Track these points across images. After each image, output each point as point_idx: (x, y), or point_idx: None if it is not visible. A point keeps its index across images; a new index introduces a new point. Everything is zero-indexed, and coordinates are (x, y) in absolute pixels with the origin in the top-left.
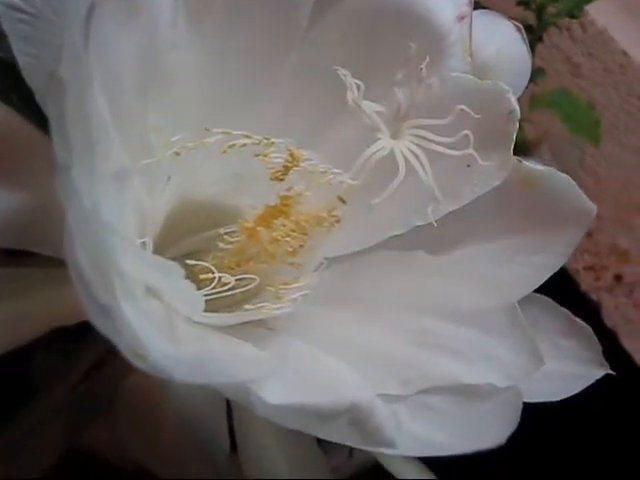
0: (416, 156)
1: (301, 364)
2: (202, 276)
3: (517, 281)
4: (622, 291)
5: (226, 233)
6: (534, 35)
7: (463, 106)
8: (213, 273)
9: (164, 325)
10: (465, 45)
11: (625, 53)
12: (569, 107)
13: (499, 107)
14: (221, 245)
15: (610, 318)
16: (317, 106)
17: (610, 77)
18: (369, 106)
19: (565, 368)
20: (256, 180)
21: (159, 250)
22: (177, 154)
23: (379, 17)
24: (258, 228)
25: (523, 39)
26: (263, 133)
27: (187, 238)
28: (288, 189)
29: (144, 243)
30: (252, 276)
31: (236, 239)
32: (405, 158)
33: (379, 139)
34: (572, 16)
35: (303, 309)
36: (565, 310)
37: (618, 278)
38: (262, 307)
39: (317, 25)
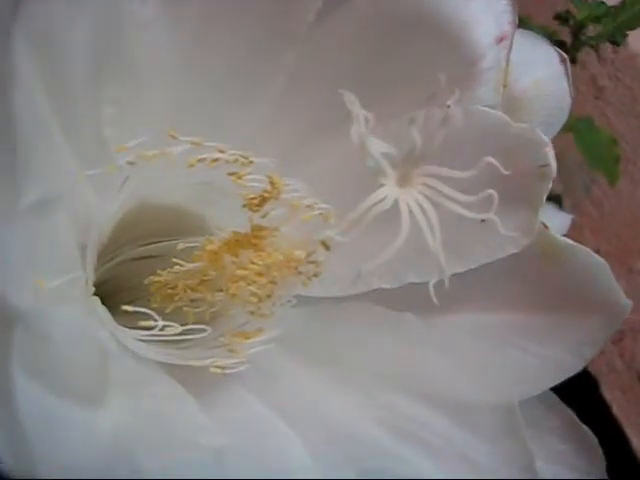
0: (424, 212)
1: (250, 438)
2: (143, 323)
3: (518, 375)
4: (610, 337)
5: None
6: (566, 54)
7: (491, 159)
8: (156, 320)
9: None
10: (500, 73)
11: None
12: (590, 138)
13: (531, 158)
14: (177, 265)
15: (594, 363)
16: (310, 120)
17: (634, 106)
18: (376, 146)
19: (556, 475)
20: (227, 196)
21: (108, 252)
22: (131, 164)
23: (401, 22)
24: (223, 254)
25: (566, 73)
26: (241, 144)
27: (143, 243)
28: (264, 216)
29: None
30: (203, 326)
31: (197, 261)
32: (411, 212)
33: (382, 185)
34: (613, 42)
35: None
36: (571, 412)
37: None
38: (213, 361)
39: (324, 22)
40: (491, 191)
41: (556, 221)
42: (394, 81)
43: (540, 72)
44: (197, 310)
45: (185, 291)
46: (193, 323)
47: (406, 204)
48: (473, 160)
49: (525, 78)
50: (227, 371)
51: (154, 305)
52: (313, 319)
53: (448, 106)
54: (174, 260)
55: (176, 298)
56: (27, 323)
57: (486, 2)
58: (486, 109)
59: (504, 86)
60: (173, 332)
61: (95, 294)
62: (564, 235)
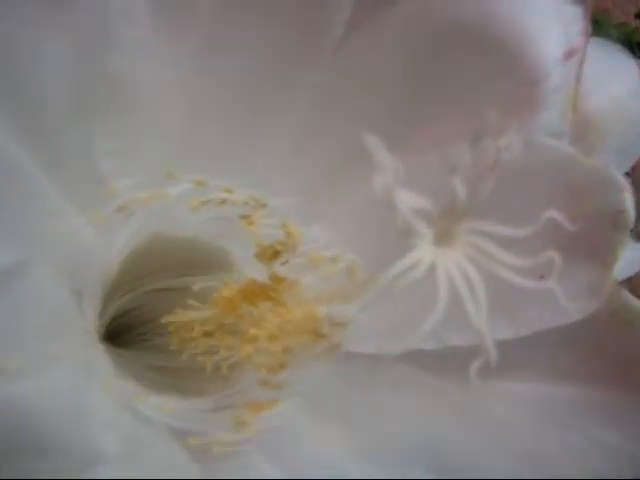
0: (467, 278)
1: None
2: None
3: (575, 464)
4: None
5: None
6: None
7: (554, 213)
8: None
9: None
10: (569, 94)
11: None
12: None
13: (604, 203)
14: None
15: None
16: (335, 154)
17: None
18: (406, 201)
19: None
20: (244, 234)
21: (122, 286)
22: (121, 208)
23: (447, 37)
24: (239, 302)
25: None
26: (255, 182)
27: (157, 278)
28: (284, 263)
29: None
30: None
31: (213, 305)
32: (450, 279)
33: (416, 245)
34: None
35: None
36: None
37: None
38: (214, 440)
39: (353, 39)
40: (552, 254)
41: (629, 254)
42: (436, 109)
43: (617, 88)
44: (214, 359)
45: (200, 338)
46: (211, 371)
47: (444, 270)
48: (532, 207)
49: (598, 96)
50: (232, 448)
51: (172, 347)
52: (342, 378)
53: (501, 149)
54: (190, 302)
55: (192, 345)
56: None
57: (553, 9)
58: (550, 141)
59: (573, 110)
60: (173, 406)
61: (110, 329)
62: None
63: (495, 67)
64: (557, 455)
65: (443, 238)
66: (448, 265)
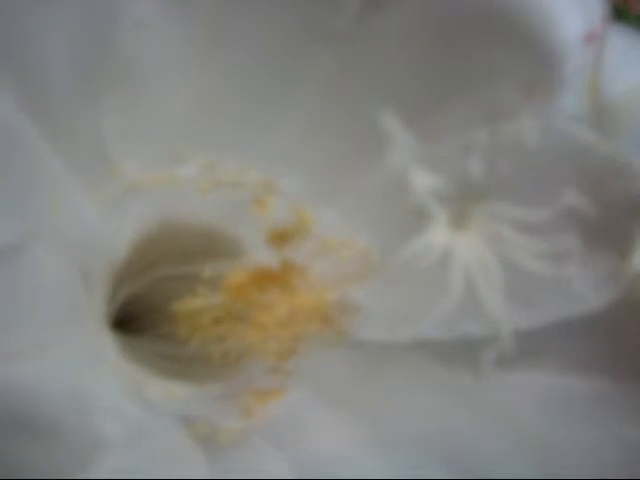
0: (482, 264)
1: None
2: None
3: (591, 460)
4: None
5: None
6: None
7: (571, 198)
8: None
9: None
10: (588, 79)
11: None
12: None
13: (622, 190)
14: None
15: None
16: (349, 137)
17: None
18: (421, 179)
19: None
20: (255, 219)
21: (132, 273)
22: (129, 190)
23: (463, 19)
24: (248, 289)
25: None
26: (267, 164)
27: (166, 265)
28: (295, 248)
29: None
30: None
31: (223, 292)
32: (465, 263)
33: (429, 228)
34: None
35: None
36: None
37: None
38: (222, 428)
39: (368, 19)
40: (570, 240)
41: None
42: (451, 91)
43: (637, 76)
44: (223, 347)
45: (209, 326)
46: (219, 358)
47: (459, 253)
48: (549, 192)
49: (617, 84)
50: (239, 436)
51: (181, 334)
52: (352, 366)
53: (518, 131)
54: (200, 289)
55: (201, 332)
56: None
57: None
58: (568, 126)
59: (594, 96)
60: (180, 393)
61: (119, 316)
62: None
63: (514, 50)
64: (571, 449)
65: (458, 220)
66: (463, 248)
